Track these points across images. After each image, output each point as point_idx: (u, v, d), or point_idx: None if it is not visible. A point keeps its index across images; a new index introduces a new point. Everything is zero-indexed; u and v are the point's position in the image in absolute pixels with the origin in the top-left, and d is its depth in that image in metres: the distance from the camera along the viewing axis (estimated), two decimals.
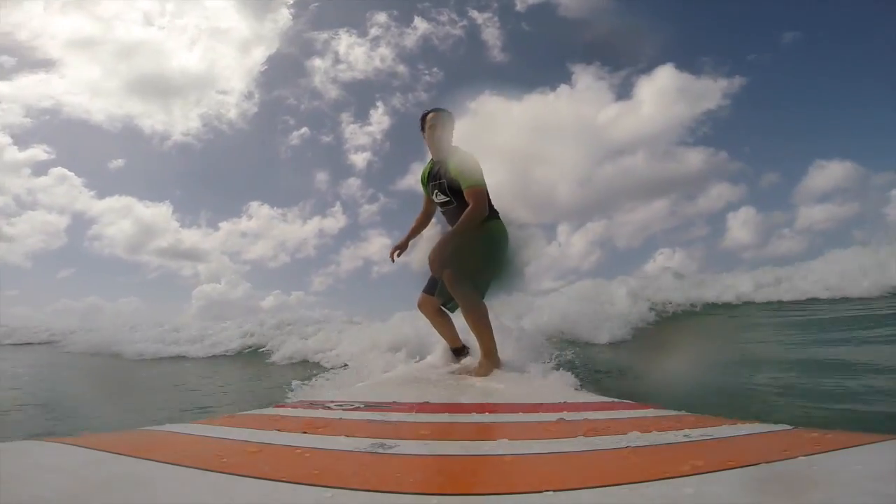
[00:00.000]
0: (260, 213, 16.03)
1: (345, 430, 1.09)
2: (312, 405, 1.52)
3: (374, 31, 16.19)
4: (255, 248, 16.04)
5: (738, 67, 16.15)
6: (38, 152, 15.82)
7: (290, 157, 16.88)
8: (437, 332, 2.87)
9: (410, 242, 2.92)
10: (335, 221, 15.74)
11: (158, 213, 16.37)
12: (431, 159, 2.72)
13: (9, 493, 0.62)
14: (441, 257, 2.35)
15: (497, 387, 2.04)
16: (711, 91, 13.71)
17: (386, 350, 4.59)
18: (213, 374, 5.92)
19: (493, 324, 2.45)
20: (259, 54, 16.78)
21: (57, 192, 16.28)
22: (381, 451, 0.84)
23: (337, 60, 16.28)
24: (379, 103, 17.30)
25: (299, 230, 15.78)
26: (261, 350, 7.24)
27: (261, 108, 16.81)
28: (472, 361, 2.68)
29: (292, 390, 3.35)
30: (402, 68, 16.12)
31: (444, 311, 2.76)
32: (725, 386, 2.70)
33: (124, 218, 16.40)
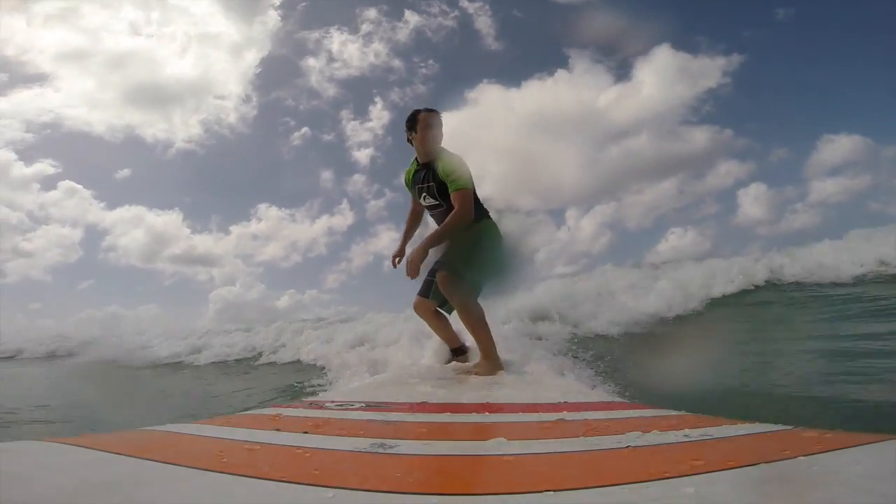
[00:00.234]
0: (269, 215, 16.18)
1: (345, 430, 1.09)
2: (312, 405, 1.52)
3: (365, 28, 16.19)
4: (266, 249, 16.20)
5: (734, 45, 16.02)
6: (45, 167, 15.86)
7: (293, 157, 16.95)
8: (435, 334, 2.87)
9: (407, 246, 2.91)
10: (343, 219, 15.85)
11: (169, 220, 16.52)
12: (415, 160, 2.64)
13: (9, 493, 0.62)
14: (418, 263, 2.34)
15: (497, 387, 2.04)
16: (710, 69, 13.62)
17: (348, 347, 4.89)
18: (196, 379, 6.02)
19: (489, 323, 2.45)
20: (252, 57, 16.81)
21: (67, 205, 16.37)
22: (381, 451, 0.84)
23: (331, 59, 16.29)
24: (377, 99, 17.33)
25: (309, 229, 15.91)
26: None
27: (260, 110, 16.85)
28: (471, 361, 2.68)
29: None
30: (397, 62, 16.13)
31: (441, 313, 2.76)
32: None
33: (136, 227, 16.61)
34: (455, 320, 2.71)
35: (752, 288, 6.13)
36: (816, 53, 14.79)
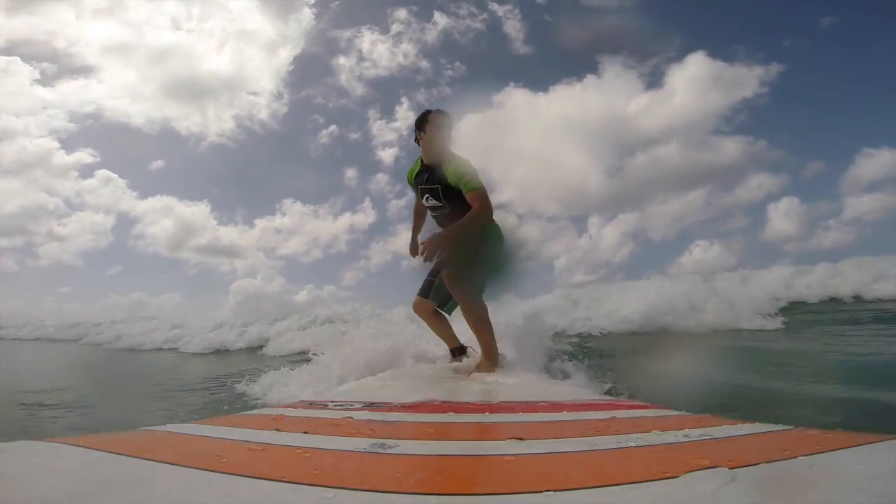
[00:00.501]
0: (293, 210, 16.47)
1: (345, 430, 1.09)
2: (312, 405, 1.52)
3: (395, 28, 16.36)
4: (288, 244, 16.49)
5: (774, 54, 15.68)
6: (84, 156, 16.74)
7: (320, 154, 17.24)
8: (435, 334, 2.87)
9: (419, 239, 2.93)
10: (365, 217, 16.08)
11: (198, 211, 17.02)
12: (420, 160, 2.63)
13: (9, 493, 0.62)
14: (436, 249, 2.26)
15: (497, 386, 2.04)
16: (747, 79, 13.43)
17: None
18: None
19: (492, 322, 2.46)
20: (285, 55, 17.17)
21: (102, 193, 17.31)
22: (381, 451, 0.84)
23: (361, 58, 16.50)
24: (404, 99, 17.52)
25: (331, 226, 16.16)
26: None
27: (290, 107, 17.15)
28: (471, 361, 2.68)
29: None
30: (424, 63, 16.28)
31: (440, 313, 2.76)
32: None
33: (166, 217, 17.06)
34: (453, 321, 2.72)
35: None
36: (859, 64, 14.34)
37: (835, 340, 4.30)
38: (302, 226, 16.38)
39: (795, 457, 0.69)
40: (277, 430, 1.07)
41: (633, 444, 0.84)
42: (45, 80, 16.78)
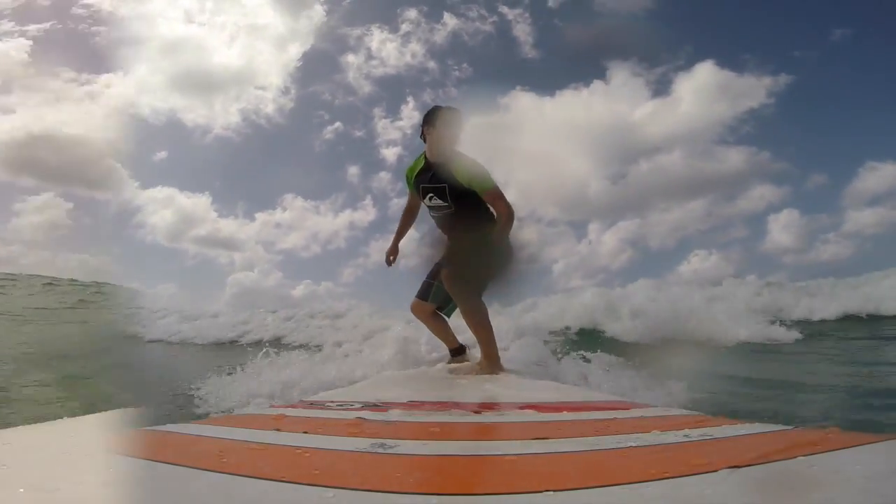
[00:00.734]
0: (294, 205, 16.50)
1: (345, 430, 1.09)
2: (312, 405, 1.52)
3: (404, 27, 16.40)
4: (288, 238, 16.51)
5: (783, 65, 15.10)
6: None
7: (323, 150, 17.30)
8: (434, 335, 2.87)
9: (400, 245, 2.89)
10: (365, 214, 16.08)
11: (199, 203, 17.06)
12: (423, 156, 2.55)
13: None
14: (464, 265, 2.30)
15: (497, 386, 2.04)
16: (755, 89, 13.21)
17: None
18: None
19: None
20: (295, 50, 17.22)
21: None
22: (381, 451, 0.84)
23: (370, 56, 16.53)
24: (409, 98, 17.54)
25: (331, 222, 16.21)
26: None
27: (297, 103, 17.19)
28: (471, 361, 2.68)
29: None
30: (432, 64, 16.29)
31: (439, 314, 2.75)
32: None
33: (166, 208, 17.15)
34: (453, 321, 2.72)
35: None
36: (871, 77, 14.08)
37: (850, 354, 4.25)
38: (302, 221, 16.49)
39: (795, 457, 0.69)
40: (278, 430, 1.07)
41: (633, 444, 0.84)
42: None
